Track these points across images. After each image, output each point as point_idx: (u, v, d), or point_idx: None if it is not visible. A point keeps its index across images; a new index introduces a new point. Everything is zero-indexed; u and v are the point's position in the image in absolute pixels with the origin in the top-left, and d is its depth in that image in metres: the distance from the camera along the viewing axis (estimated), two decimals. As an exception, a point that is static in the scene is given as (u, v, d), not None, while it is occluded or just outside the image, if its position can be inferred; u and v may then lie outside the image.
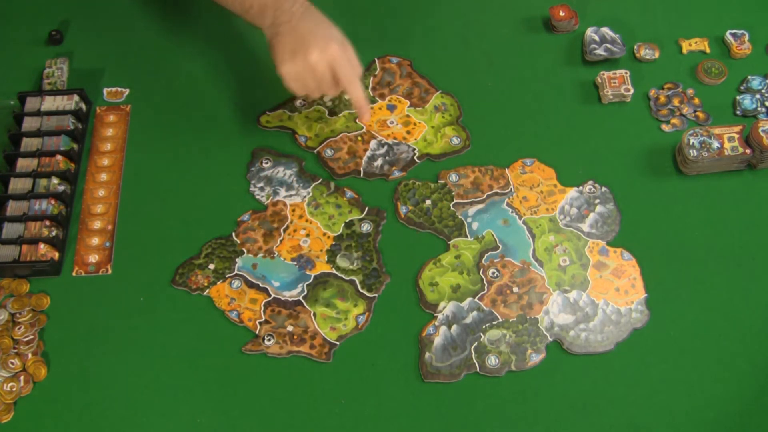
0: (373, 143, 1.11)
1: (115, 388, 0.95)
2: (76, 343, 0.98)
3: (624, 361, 0.94)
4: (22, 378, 0.95)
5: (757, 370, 0.93)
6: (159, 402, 0.94)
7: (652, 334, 0.96)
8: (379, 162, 1.10)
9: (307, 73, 0.99)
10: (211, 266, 1.02)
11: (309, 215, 1.05)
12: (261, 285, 1.01)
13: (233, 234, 1.05)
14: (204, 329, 0.98)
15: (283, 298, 1.00)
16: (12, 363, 0.96)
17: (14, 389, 0.94)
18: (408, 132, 1.12)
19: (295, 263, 1.02)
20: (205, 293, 1.00)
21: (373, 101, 1.15)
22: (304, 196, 1.07)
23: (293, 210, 1.06)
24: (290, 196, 1.07)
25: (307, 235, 1.03)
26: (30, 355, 0.97)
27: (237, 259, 1.03)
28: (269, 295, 1.00)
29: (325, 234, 1.03)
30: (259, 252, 1.03)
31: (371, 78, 1.17)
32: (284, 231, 1.04)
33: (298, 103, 1.15)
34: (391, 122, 1.13)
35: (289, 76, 1.00)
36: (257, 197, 1.07)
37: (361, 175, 1.09)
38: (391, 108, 1.14)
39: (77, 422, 0.93)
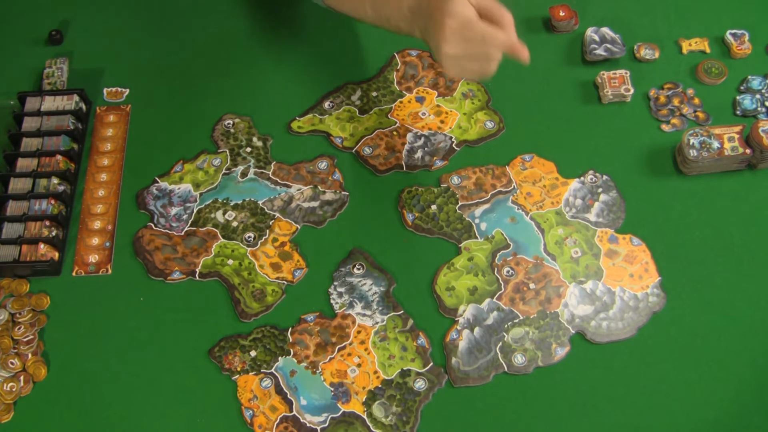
0: (409, 136, 1.11)
1: (115, 388, 0.95)
2: (76, 343, 0.98)
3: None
4: (22, 378, 0.95)
5: (757, 370, 0.93)
6: (159, 402, 0.94)
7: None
8: (419, 154, 1.09)
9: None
10: (253, 353, 0.95)
11: (371, 345, 0.96)
12: (288, 396, 0.93)
13: (289, 330, 0.97)
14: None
15: (302, 420, 0.91)
16: (12, 363, 0.95)
17: (14, 389, 0.94)
18: (441, 121, 1.12)
19: (332, 389, 0.93)
20: (233, 378, 0.95)
21: (400, 95, 1.15)
22: (377, 322, 0.98)
23: (358, 332, 0.97)
24: (363, 315, 0.98)
25: (358, 365, 0.95)
26: (30, 355, 0.97)
27: (280, 358, 0.95)
28: (291, 411, 0.92)
29: (376, 372, 0.95)
30: (304, 360, 0.95)
31: (394, 73, 1.17)
32: (338, 350, 0.97)
33: (326, 105, 1.14)
34: (423, 113, 1.12)
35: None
36: (331, 301, 0.99)
37: (404, 168, 1.08)
38: (420, 100, 1.14)
39: (77, 422, 0.93)
